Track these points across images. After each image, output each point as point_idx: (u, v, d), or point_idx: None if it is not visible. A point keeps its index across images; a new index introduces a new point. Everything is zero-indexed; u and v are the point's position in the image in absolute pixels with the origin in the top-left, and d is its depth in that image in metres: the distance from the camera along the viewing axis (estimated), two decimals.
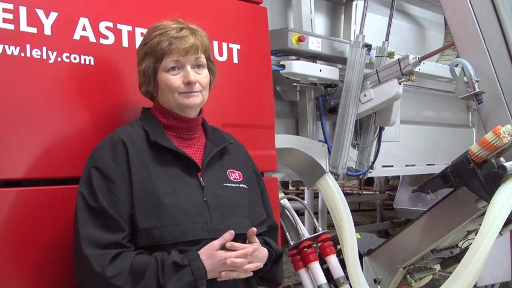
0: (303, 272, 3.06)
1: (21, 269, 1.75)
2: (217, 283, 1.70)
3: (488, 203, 2.64)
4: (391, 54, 3.61)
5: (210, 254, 1.67)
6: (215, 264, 1.67)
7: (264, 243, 1.86)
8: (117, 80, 2.01)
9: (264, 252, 1.82)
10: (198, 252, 1.68)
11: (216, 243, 1.69)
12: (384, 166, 4.06)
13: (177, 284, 1.62)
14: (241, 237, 1.77)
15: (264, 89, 2.55)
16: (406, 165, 4.37)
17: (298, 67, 3.12)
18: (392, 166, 4.20)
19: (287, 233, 3.14)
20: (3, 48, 1.74)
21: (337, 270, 3.11)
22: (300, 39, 3.09)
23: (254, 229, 1.77)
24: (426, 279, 3.57)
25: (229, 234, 1.70)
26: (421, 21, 4.54)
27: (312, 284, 3.03)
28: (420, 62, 3.28)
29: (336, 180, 3.35)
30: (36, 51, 1.81)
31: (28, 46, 1.79)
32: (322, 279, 3.01)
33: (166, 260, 1.63)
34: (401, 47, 3.93)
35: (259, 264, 1.76)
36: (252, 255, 1.73)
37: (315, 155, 3.26)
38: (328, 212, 3.56)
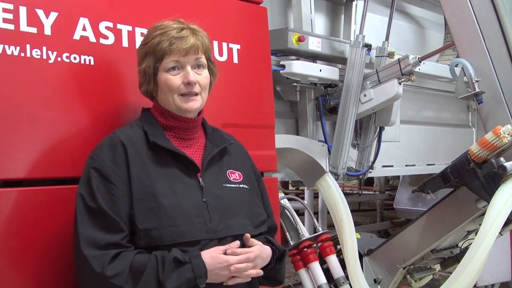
0: (303, 272, 3.06)
1: (22, 269, 1.75)
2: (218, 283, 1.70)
3: (488, 203, 2.64)
4: (391, 54, 3.61)
5: (213, 256, 1.67)
6: (216, 265, 1.66)
7: (267, 242, 1.86)
8: (117, 80, 2.01)
9: (267, 250, 1.82)
10: (201, 252, 1.67)
11: (221, 247, 1.69)
12: (384, 166, 4.06)
13: (177, 280, 1.61)
14: (241, 238, 1.77)
15: (264, 89, 2.55)
16: (406, 165, 4.37)
17: (298, 67, 3.11)
18: (392, 166, 4.20)
19: (287, 233, 3.14)
20: (3, 48, 1.74)
21: (337, 270, 3.11)
22: (300, 39, 3.09)
23: (248, 235, 1.78)
24: (426, 279, 3.57)
25: (236, 244, 1.71)
26: (421, 21, 4.54)
27: (312, 284, 3.03)
28: (420, 62, 3.28)
29: (336, 180, 3.35)
30: (36, 51, 1.81)
31: (28, 46, 1.79)
32: (322, 279, 3.01)
33: (167, 256, 1.63)
34: (401, 47, 3.93)
35: (260, 272, 1.75)
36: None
37: (315, 155, 3.26)
38: (328, 212, 3.56)
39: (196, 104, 1.80)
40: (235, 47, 2.39)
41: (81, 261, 1.62)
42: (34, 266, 1.76)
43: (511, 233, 3.94)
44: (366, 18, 3.60)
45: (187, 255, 1.65)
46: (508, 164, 2.62)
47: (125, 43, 2.03)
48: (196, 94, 1.80)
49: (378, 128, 3.73)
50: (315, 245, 3.10)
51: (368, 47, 3.44)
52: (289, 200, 3.29)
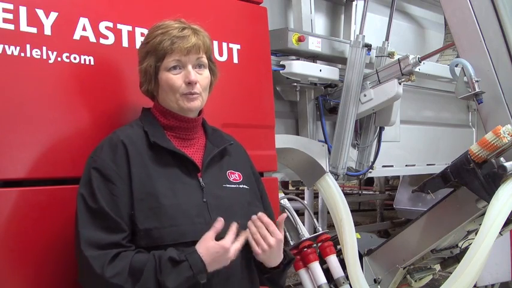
0: (303, 272, 3.06)
1: (22, 269, 1.74)
2: (218, 281, 1.69)
3: (488, 203, 2.64)
4: (391, 54, 3.61)
5: (207, 246, 1.64)
6: (213, 254, 1.63)
7: None
8: (117, 80, 2.01)
9: (281, 252, 1.83)
10: (196, 246, 1.65)
11: (210, 233, 1.65)
12: (384, 166, 4.06)
13: (177, 279, 1.60)
14: None
15: (264, 89, 2.55)
16: (406, 165, 4.36)
17: (298, 67, 3.11)
18: (392, 166, 4.20)
19: (287, 233, 3.14)
20: (3, 48, 1.74)
21: (337, 270, 3.11)
22: (300, 39, 3.09)
23: (284, 215, 1.80)
24: (426, 279, 3.57)
25: (220, 222, 1.66)
26: (421, 21, 4.54)
27: (312, 284, 3.03)
28: (420, 62, 3.28)
29: (336, 180, 3.35)
30: (36, 51, 1.81)
31: (28, 46, 1.79)
32: (322, 279, 3.01)
33: (163, 256, 1.62)
34: (401, 47, 3.93)
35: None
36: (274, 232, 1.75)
37: (315, 155, 3.26)
38: (328, 212, 3.56)
39: (196, 102, 1.80)
40: (235, 47, 2.39)
41: (82, 262, 1.62)
42: (34, 266, 1.76)
43: (511, 233, 3.94)
44: (366, 18, 3.60)
45: (183, 253, 1.63)
46: (508, 164, 2.62)
47: (125, 43, 2.03)
48: (197, 93, 1.80)
49: (378, 128, 3.73)
50: (315, 245, 3.10)
51: (368, 47, 3.44)
52: (289, 200, 3.29)
